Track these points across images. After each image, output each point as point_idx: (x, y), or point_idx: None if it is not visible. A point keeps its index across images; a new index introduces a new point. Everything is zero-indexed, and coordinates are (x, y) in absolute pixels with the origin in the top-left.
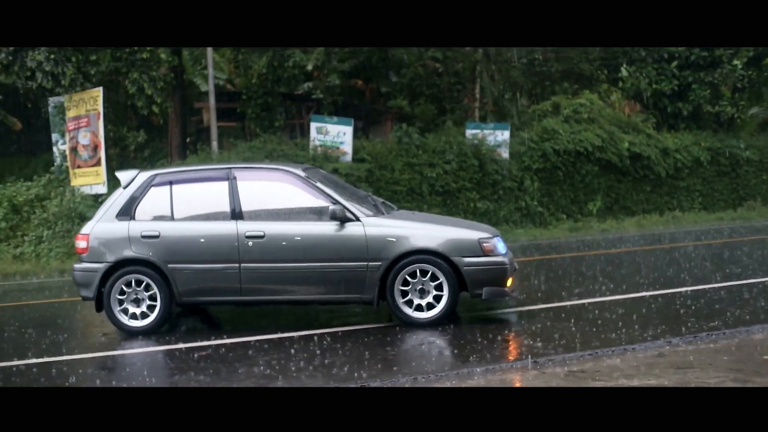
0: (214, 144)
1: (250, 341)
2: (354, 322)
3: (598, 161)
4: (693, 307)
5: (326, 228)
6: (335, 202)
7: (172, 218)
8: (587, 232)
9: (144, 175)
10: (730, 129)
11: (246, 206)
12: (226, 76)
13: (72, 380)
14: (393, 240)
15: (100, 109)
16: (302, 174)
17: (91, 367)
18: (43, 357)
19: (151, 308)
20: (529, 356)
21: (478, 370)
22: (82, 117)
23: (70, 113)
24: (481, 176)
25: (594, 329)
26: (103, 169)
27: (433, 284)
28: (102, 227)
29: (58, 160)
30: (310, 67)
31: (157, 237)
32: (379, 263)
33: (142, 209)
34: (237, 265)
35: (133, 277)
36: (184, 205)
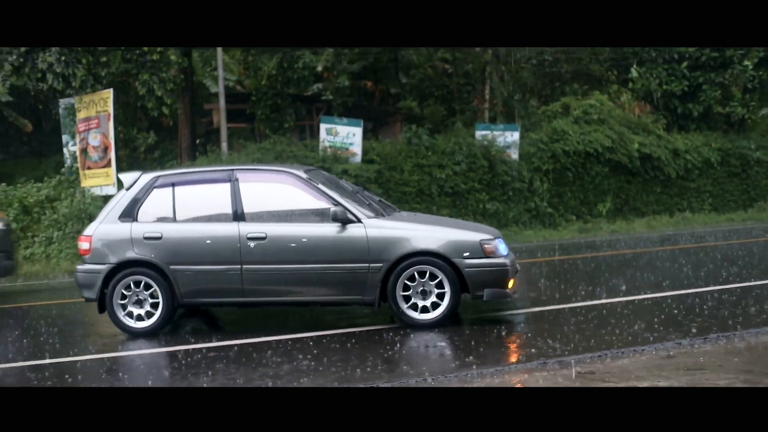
0: (224, 145)
1: (253, 343)
2: (356, 323)
3: (608, 162)
4: (703, 309)
5: (328, 229)
6: (337, 203)
7: (174, 220)
8: (597, 233)
9: (146, 177)
10: (741, 130)
11: (248, 208)
12: (236, 78)
13: (70, 381)
14: (394, 241)
15: (111, 110)
16: (304, 175)
17: (93, 368)
18: (45, 358)
19: (153, 308)
20: (538, 357)
21: (486, 371)
22: (93, 118)
23: (81, 115)
24: (490, 177)
25: (603, 330)
26: (113, 170)
27: (434, 285)
28: (105, 229)
29: (68, 162)
30: (319, 69)
31: (159, 238)
32: (381, 265)
33: (145, 211)
34: (239, 266)
35: (135, 279)
36: (186, 207)
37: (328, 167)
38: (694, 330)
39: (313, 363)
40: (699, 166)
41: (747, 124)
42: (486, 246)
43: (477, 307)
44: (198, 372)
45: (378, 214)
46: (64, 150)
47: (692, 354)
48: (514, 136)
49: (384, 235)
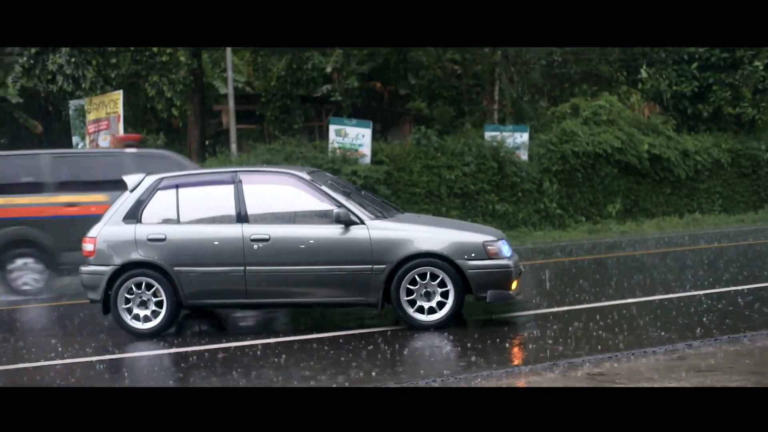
0: (233, 146)
1: (258, 344)
2: (361, 325)
3: (618, 163)
4: (714, 310)
5: (331, 231)
6: (340, 205)
7: (178, 221)
8: (606, 234)
9: (150, 179)
10: (751, 131)
11: (251, 209)
12: (245, 79)
13: (73, 381)
14: (397, 243)
15: (120, 111)
16: (307, 177)
17: (95, 369)
18: (47, 360)
19: (157, 311)
20: (548, 359)
21: (496, 372)
22: (103, 120)
23: (91, 116)
24: (499, 178)
25: (613, 332)
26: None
27: (437, 286)
28: (109, 230)
29: None
30: (328, 70)
31: (163, 240)
32: (384, 266)
33: (149, 212)
34: (242, 267)
35: (139, 280)
36: (190, 209)
37: (337, 168)
38: (704, 332)
39: (319, 364)
40: (709, 167)
41: (757, 125)
42: (489, 247)
43: (485, 308)
44: (204, 372)
45: (381, 216)
46: None
47: (703, 356)
48: (523, 137)
49: (387, 237)
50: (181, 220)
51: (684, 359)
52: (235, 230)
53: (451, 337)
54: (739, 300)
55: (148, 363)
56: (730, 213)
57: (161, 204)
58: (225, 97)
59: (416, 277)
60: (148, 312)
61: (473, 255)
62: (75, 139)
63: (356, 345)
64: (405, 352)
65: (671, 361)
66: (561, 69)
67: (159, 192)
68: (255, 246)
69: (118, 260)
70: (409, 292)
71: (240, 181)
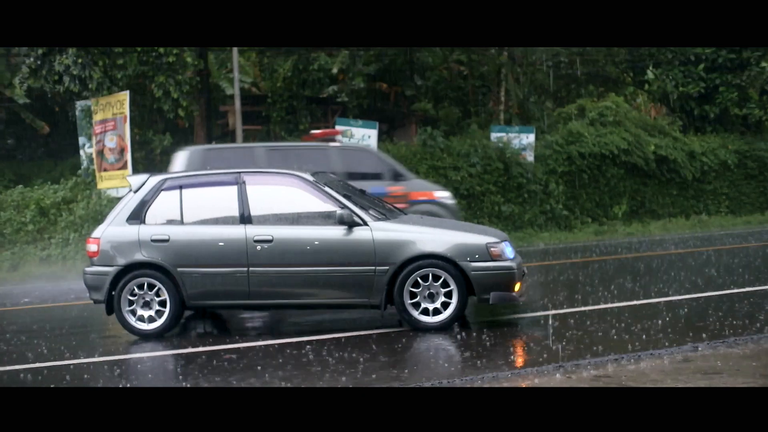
0: None
1: (262, 345)
2: (365, 327)
3: (624, 164)
4: (721, 312)
5: (334, 232)
6: (343, 206)
7: (181, 222)
8: (612, 235)
9: (154, 180)
10: (758, 132)
11: (254, 210)
12: (252, 80)
13: (76, 383)
14: (400, 244)
15: (127, 112)
16: (310, 178)
17: (99, 370)
18: (49, 361)
19: (160, 312)
20: (554, 360)
21: (501, 374)
22: (109, 120)
23: (97, 117)
24: (505, 179)
25: (619, 334)
26: (129, 172)
27: (441, 288)
28: (112, 231)
29: (84, 164)
30: (335, 71)
31: (166, 241)
32: (387, 267)
33: (152, 213)
34: (245, 268)
35: (143, 281)
36: (193, 209)
37: None
38: (711, 334)
39: (324, 365)
40: (715, 168)
41: (764, 126)
42: (492, 249)
43: (489, 310)
44: (209, 373)
45: (384, 217)
46: (81, 152)
47: (709, 358)
48: (529, 138)
49: (390, 238)
50: (185, 221)
51: (690, 361)
52: (238, 231)
53: (454, 338)
54: (746, 302)
55: (152, 364)
56: (736, 214)
57: (165, 205)
58: (231, 97)
59: (419, 278)
60: (151, 313)
61: (476, 256)
62: (81, 140)
63: (358, 346)
64: (408, 354)
65: (677, 363)
66: (567, 70)
67: (163, 193)
68: (258, 247)
69: (121, 261)
70: (413, 294)
71: (243, 182)
